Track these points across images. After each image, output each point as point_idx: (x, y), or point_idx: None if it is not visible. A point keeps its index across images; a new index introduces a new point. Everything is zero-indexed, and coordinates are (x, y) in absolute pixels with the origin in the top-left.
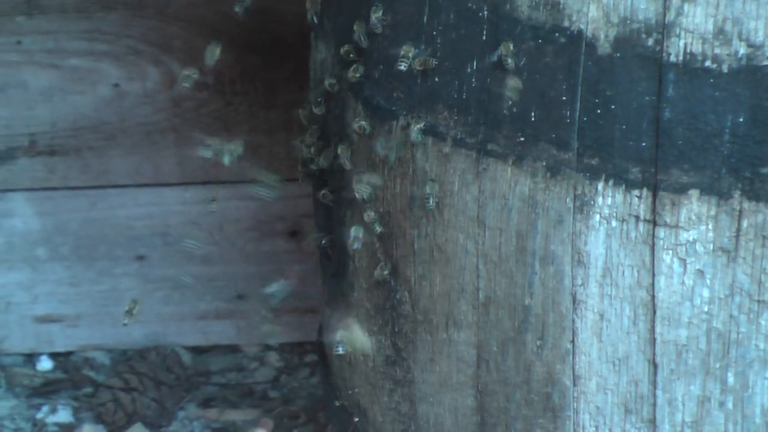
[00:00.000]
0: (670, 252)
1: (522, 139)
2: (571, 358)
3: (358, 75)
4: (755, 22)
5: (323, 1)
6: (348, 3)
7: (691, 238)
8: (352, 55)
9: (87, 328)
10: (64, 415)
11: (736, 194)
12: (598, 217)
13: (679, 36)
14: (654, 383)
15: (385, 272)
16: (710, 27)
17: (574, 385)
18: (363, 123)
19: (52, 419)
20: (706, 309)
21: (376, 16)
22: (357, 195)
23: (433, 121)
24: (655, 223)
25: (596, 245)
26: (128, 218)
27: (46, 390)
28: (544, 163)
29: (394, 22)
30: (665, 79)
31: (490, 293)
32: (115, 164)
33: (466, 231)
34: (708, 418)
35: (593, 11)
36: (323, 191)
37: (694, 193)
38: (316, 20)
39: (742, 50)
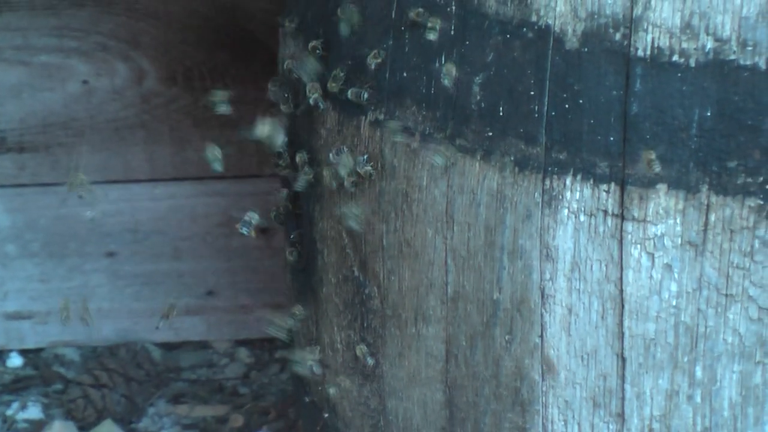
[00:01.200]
0: (638, 246)
1: (490, 133)
2: (539, 352)
3: (338, 84)
4: (722, 16)
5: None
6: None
7: (659, 232)
8: (319, 51)
9: (57, 325)
10: (34, 412)
11: (704, 188)
12: (566, 211)
13: (646, 30)
14: (622, 377)
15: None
16: (677, 21)
17: (543, 379)
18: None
19: (22, 416)
20: (674, 303)
21: (375, 61)
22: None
23: (401, 116)
24: (623, 218)
25: (564, 240)
26: (98, 215)
27: (16, 387)
28: (512, 158)
29: (363, 17)
30: (633, 74)
31: (459, 288)
32: (84, 160)
33: (434, 226)
34: (676, 412)
35: (561, 6)
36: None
37: (661, 187)
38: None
39: (709, 44)
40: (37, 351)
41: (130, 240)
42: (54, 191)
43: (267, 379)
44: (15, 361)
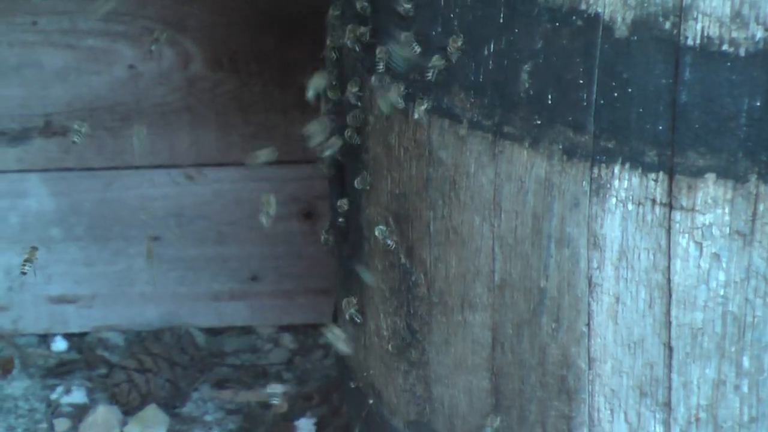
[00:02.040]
0: (686, 235)
1: (538, 121)
2: (586, 340)
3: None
4: None
5: None
6: None
7: (707, 222)
8: (366, 38)
9: (101, 309)
10: (78, 396)
11: (753, 177)
12: (614, 200)
13: (696, 19)
14: (669, 366)
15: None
16: (727, 10)
17: (590, 367)
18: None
19: (66, 400)
20: (721, 292)
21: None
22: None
23: (449, 103)
24: (671, 207)
25: (612, 228)
26: (143, 199)
27: (61, 371)
28: (561, 146)
29: (409, 2)
30: (682, 63)
31: (506, 276)
32: (130, 145)
33: (481, 213)
34: (723, 402)
35: None
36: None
37: (710, 176)
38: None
39: (759, 34)
40: (82, 335)
41: (175, 224)
42: (99, 175)
43: (311, 365)
44: (59, 345)
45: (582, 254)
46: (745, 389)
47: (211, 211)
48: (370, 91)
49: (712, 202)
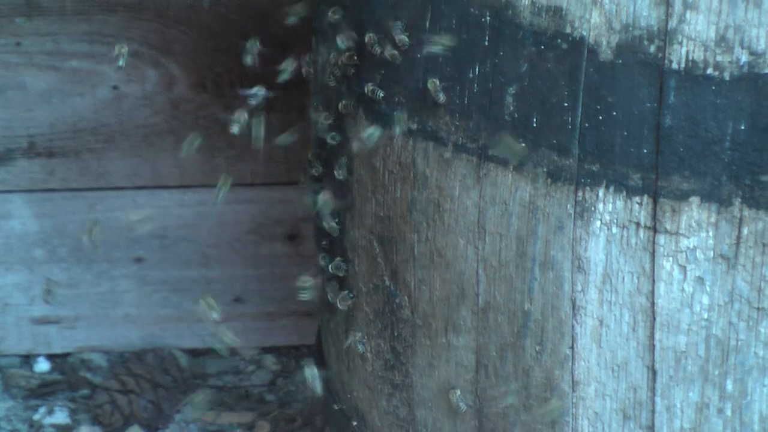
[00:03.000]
0: (670, 259)
1: (523, 144)
2: (570, 363)
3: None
4: (757, 29)
5: (326, 4)
6: (350, 6)
7: (691, 245)
8: (355, 58)
9: (84, 330)
10: (60, 417)
11: (737, 201)
12: (598, 223)
13: (681, 43)
14: (653, 389)
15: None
16: (712, 34)
17: (573, 390)
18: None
19: (48, 421)
20: (705, 316)
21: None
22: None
23: (434, 126)
24: (655, 230)
25: (596, 251)
26: (127, 220)
27: (43, 391)
28: (545, 169)
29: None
30: (666, 86)
31: (490, 298)
32: (113, 166)
33: (466, 236)
34: (706, 425)
35: (595, 17)
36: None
37: (694, 200)
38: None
39: (744, 58)
40: (64, 356)
41: (158, 246)
42: (83, 196)
43: (293, 387)
44: (42, 365)
45: (566, 277)
46: (729, 413)
47: (195, 233)
48: (354, 116)
49: (696, 226)
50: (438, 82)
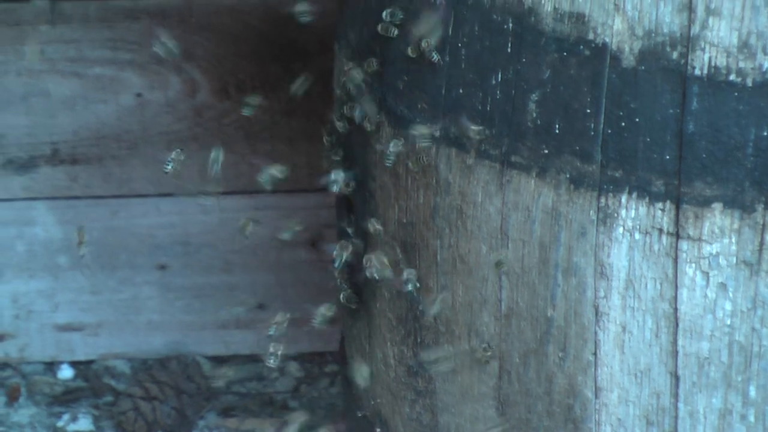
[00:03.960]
0: (693, 265)
1: (546, 151)
2: (593, 369)
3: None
4: None
5: (348, 13)
6: (372, 15)
7: (714, 251)
8: (374, 66)
9: (108, 337)
10: (84, 424)
11: (760, 207)
12: (621, 229)
13: (703, 49)
14: (676, 395)
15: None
16: (734, 41)
17: (596, 396)
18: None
19: (72, 428)
20: (728, 322)
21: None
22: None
23: (456, 132)
24: (678, 236)
25: (619, 257)
26: (150, 227)
27: (67, 398)
28: (568, 175)
29: (419, 33)
30: (689, 92)
31: (513, 304)
32: (136, 173)
33: (489, 242)
34: (729, 431)
35: (618, 24)
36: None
37: (717, 206)
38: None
39: (767, 64)
40: (88, 363)
41: (181, 252)
42: (106, 203)
43: (317, 393)
44: (66, 372)
45: (589, 283)
46: (752, 419)
47: (218, 240)
48: (377, 124)
49: (719, 232)
50: (432, 42)
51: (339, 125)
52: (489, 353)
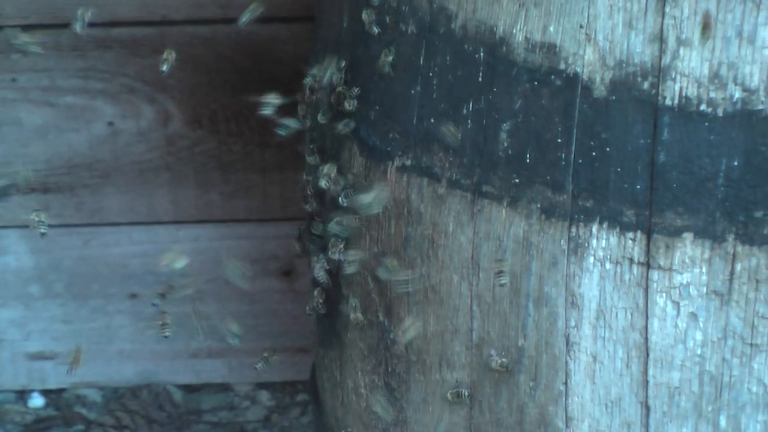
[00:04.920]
0: (664, 294)
1: (517, 180)
2: (564, 399)
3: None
4: (750, 66)
5: (321, 41)
6: (345, 42)
7: (684, 281)
8: (345, 96)
9: (79, 366)
10: None
11: (730, 238)
12: (592, 259)
13: (674, 80)
14: (646, 425)
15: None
16: (705, 71)
17: (567, 426)
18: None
19: None
20: (699, 352)
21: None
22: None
23: (428, 162)
24: (648, 266)
25: (590, 287)
26: (122, 256)
27: (38, 427)
28: (539, 205)
29: (391, 62)
30: (660, 123)
31: (484, 334)
32: (109, 202)
33: (460, 272)
34: None
35: (589, 54)
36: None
37: (688, 236)
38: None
39: (737, 94)
40: (59, 391)
41: (153, 281)
42: (78, 232)
43: (288, 423)
44: (37, 401)
45: (560, 313)
46: None
47: (190, 269)
48: (349, 151)
49: (689, 262)
50: (372, 14)
51: (310, 159)
52: (459, 399)
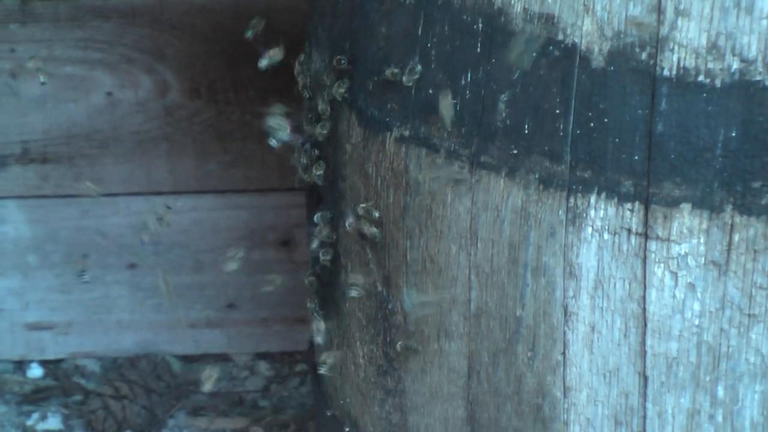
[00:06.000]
0: (662, 265)
1: (515, 151)
2: (562, 369)
3: (343, 91)
4: (748, 37)
5: (318, 11)
6: (343, 13)
7: (682, 252)
8: (344, 64)
9: (78, 336)
10: (54, 423)
11: (728, 208)
12: (590, 229)
13: (672, 50)
14: (644, 395)
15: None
16: (703, 41)
17: (565, 396)
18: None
19: (42, 426)
20: (696, 322)
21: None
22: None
23: (426, 133)
24: (646, 236)
25: (588, 257)
26: (120, 226)
27: (37, 397)
28: (537, 176)
29: (389, 33)
30: (658, 93)
31: (482, 304)
32: (107, 172)
33: (458, 242)
34: (698, 431)
35: (587, 25)
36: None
37: (686, 206)
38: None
39: (735, 65)
40: (58, 362)
41: (152, 252)
42: (76, 202)
43: (287, 393)
44: (35, 371)
45: (558, 283)
46: (720, 419)
47: (189, 239)
48: (347, 121)
49: (687, 232)
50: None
51: (307, 128)
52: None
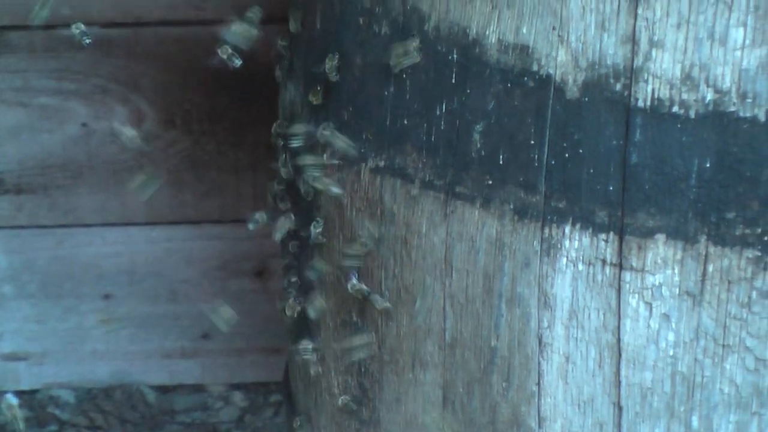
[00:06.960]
0: (636, 295)
1: (490, 181)
2: (536, 399)
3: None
4: (722, 67)
5: (293, 41)
6: (318, 43)
7: (657, 282)
8: (319, 97)
9: (53, 366)
10: None
11: (702, 238)
12: (564, 260)
13: (646, 81)
14: (619, 426)
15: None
16: (678, 72)
17: (540, 426)
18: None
19: None
20: (671, 352)
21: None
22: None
23: (401, 163)
24: (621, 267)
25: (563, 288)
26: (95, 256)
27: (11, 428)
28: (512, 206)
29: (364, 63)
30: (633, 124)
31: (457, 334)
32: (82, 203)
33: (433, 272)
34: None
35: (562, 55)
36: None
37: (660, 237)
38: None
39: (709, 96)
40: (33, 392)
41: (127, 282)
42: (51, 233)
43: (261, 423)
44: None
45: (533, 314)
46: None
47: (164, 269)
48: (322, 152)
49: (661, 263)
50: (335, 63)
51: (283, 172)
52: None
